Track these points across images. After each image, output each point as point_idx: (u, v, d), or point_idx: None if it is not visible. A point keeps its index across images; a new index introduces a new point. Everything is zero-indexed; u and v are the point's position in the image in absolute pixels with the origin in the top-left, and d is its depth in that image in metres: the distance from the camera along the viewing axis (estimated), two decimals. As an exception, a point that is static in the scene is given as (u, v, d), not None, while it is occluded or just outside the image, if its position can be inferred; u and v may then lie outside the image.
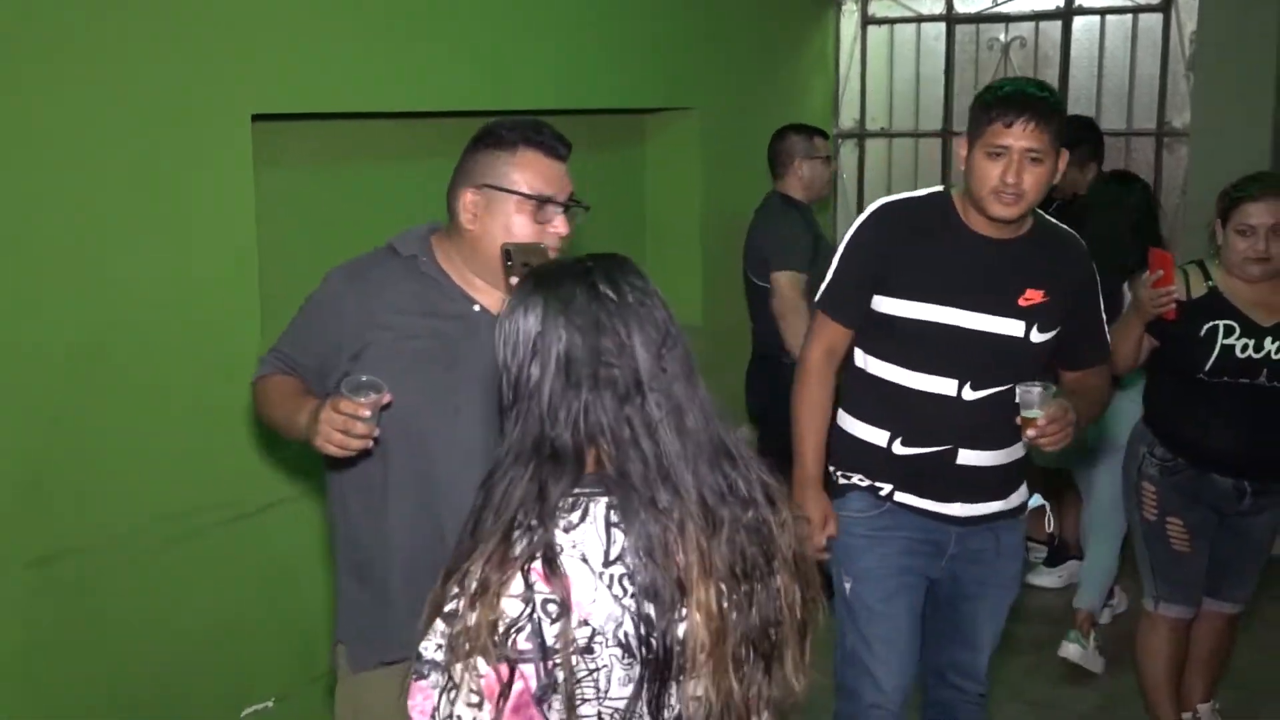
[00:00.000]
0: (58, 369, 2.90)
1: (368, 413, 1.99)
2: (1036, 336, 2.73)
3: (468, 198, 2.17)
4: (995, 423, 2.73)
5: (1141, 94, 5.82)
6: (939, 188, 2.89)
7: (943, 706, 3.00)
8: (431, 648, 1.41)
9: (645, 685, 1.43)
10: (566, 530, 1.42)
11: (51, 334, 2.88)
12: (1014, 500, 2.86)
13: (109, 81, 2.94)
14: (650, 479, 1.44)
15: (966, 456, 2.76)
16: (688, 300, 5.06)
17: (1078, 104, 5.83)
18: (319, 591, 3.54)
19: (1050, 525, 4.67)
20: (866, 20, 6.31)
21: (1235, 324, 3.27)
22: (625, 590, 1.42)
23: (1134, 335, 3.33)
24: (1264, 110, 5.34)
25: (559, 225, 2.17)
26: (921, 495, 2.79)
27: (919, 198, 2.84)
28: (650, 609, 1.42)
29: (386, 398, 2.01)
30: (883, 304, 2.74)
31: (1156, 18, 5.70)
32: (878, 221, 2.78)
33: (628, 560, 1.42)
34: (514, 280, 1.93)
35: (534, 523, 1.41)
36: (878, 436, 2.81)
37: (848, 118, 6.37)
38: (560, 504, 1.43)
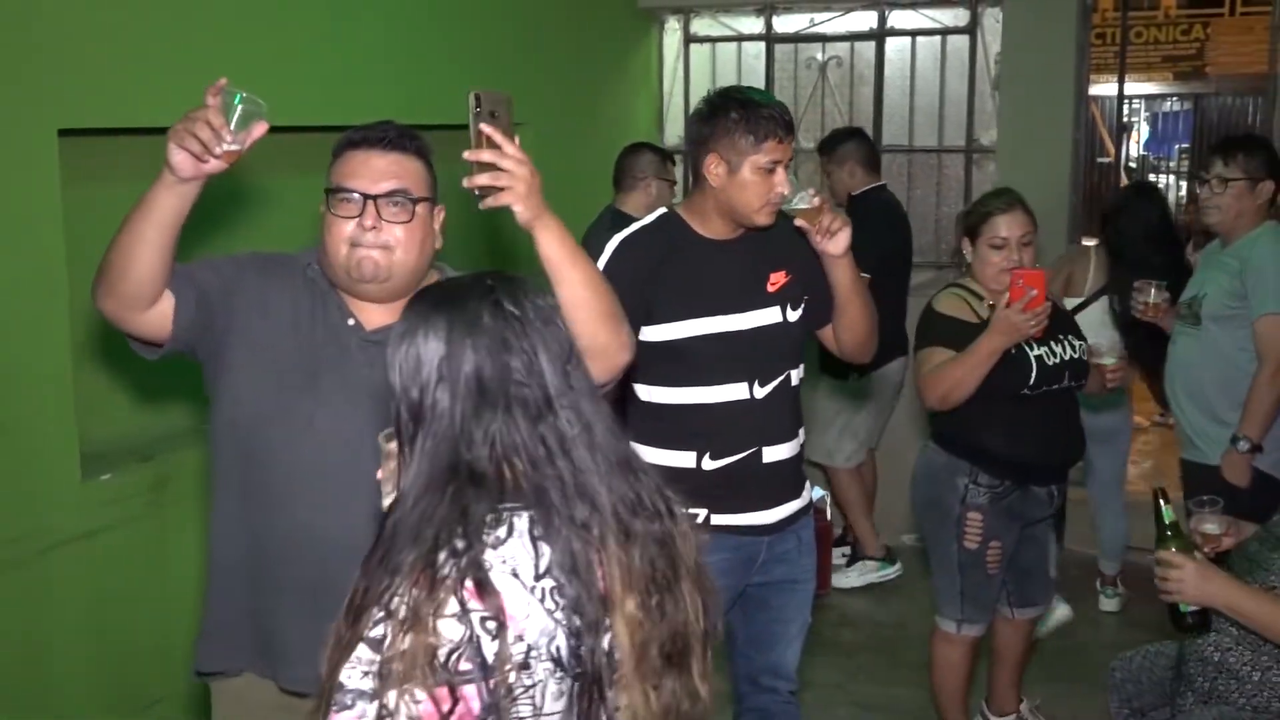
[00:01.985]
0: None
1: (237, 110, 1.92)
2: (791, 316, 2.85)
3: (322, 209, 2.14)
4: (784, 414, 2.88)
5: (951, 112, 6.05)
6: (662, 210, 2.95)
7: (759, 713, 3.04)
8: (356, 676, 1.36)
9: (577, 699, 1.43)
10: (494, 547, 1.41)
11: None
12: (807, 496, 2.99)
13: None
14: (568, 496, 1.44)
15: (770, 453, 2.85)
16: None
17: (892, 121, 6.03)
18: (139, 626, 3.43)
19: (829, 515, 4.81)
20: (689, 39, 6.41)
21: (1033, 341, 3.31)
22: (557, 604, 1.42)
23: (991, 362, 3.23)
24: (1064, 127, 5.61)
25: (365, 219, 2.06)
26: (735, 511, 2.83)
27: (650, 224, 2.88)
28: (580, 622, 1.42)
29: (261, 128, 1.95)
30: (653, 333, 2.75)
31: (964, 39, 5.93)
32: (621, 258, 2.79)
33: (555, 573, 1.42)
34: (481, 125, 1.92)
35: (459, 544, 1.39)
36: (684, 459, 2.82)
37: (672, 134, 6.46)
38: (485, 521, 1.41)
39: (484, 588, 1.37)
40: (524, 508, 1.44)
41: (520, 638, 1.39)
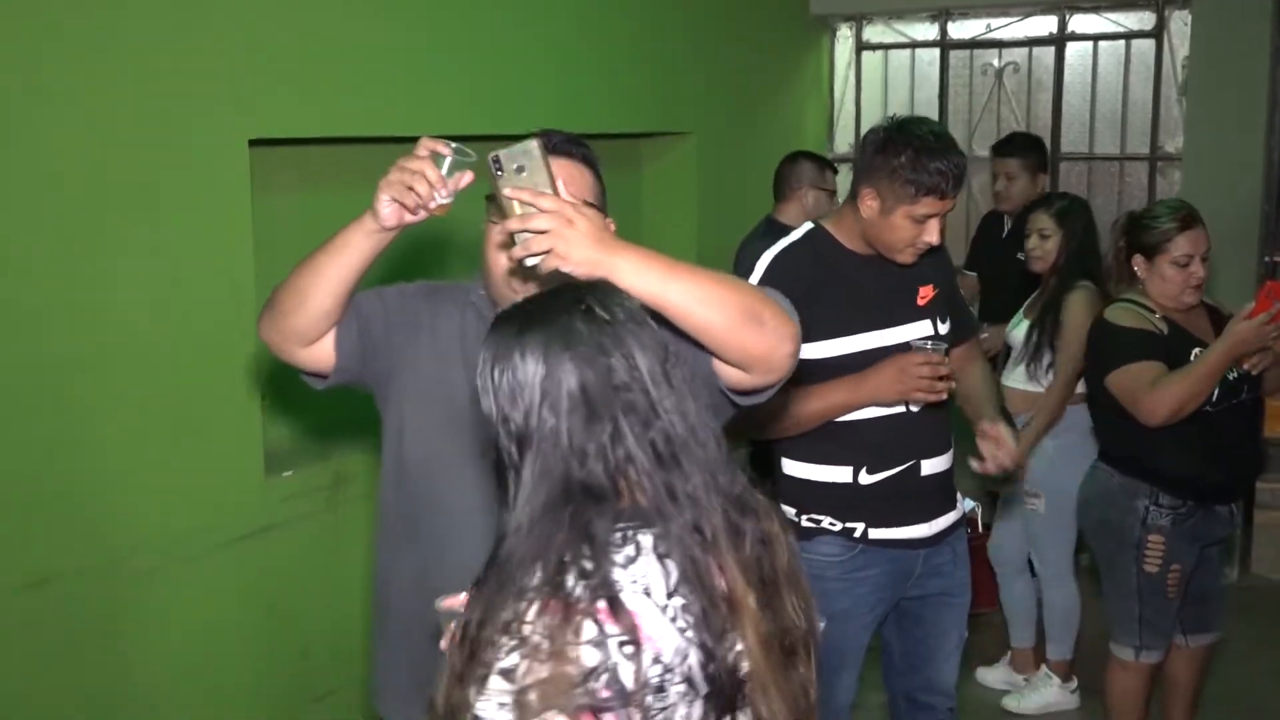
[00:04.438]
0: (50, 391, 2.91)
1: (447, 160, 1.82)
2: (943, 328, 2.82)
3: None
4: (940, 427, 2.84)
5: (1135, 118, 5.85)
6: (809, 225, 2.86)
7: None
8: (492, 708, 1.32)
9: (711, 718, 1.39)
10: (625, 566, 1.37)
11: (46, 356, 2.89)
12: (960, 508, 2.93)
13: (108, 105, 2.96)
14: (681, 502, 1.41)
15: (928, 466, 2.81)
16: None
17: (1071, 128, 5.87)
18: (314, 618, 3.55)
19: (980, 526, 4.67)
20: (861, 46, 6.35)
21: (1205, 347, 3.23)
22: (687, 622, 1.37)
23: (1222, 373, 3.16)
24: (1255, 134, 5.37)
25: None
26: (892, 525, 2.79)
27: (799, 240, 2.82)
28: (707, 636, 1.38)
29: (467, 178, 1.84)
30: (810, 350, 2.66)
31: (1149, 43, 5.73)
32: (773, 275, 2.72)
33: (683, 590, 1.38)
34: (506, 192, 1.68)
35: (587, 565, 1.35)
36: (840, 474, 2.79)
37: (843, 143, 6.40)
38: (610, 540, 1.38)
39: (617, 609, 1.33)
40: (646, 525, 1.40)
41: (657, 659, 1.35)
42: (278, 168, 3.58)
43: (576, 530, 1.37)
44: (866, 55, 6.36)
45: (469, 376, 1.92)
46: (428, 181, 1.79)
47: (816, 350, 2.71)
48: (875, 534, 2.78)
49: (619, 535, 1.38)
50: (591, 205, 1.96)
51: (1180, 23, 5.61)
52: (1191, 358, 3.20)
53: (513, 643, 1.32)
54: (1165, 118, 5.73)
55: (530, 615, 1.33)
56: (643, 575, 1.37)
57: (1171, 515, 3.29)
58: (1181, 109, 5.64)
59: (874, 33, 6.34)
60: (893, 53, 6.32)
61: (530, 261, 1.67)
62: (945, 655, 2.95)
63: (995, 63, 6.10)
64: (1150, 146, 5.79)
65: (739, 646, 1.41)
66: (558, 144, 2.00)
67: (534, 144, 1.70)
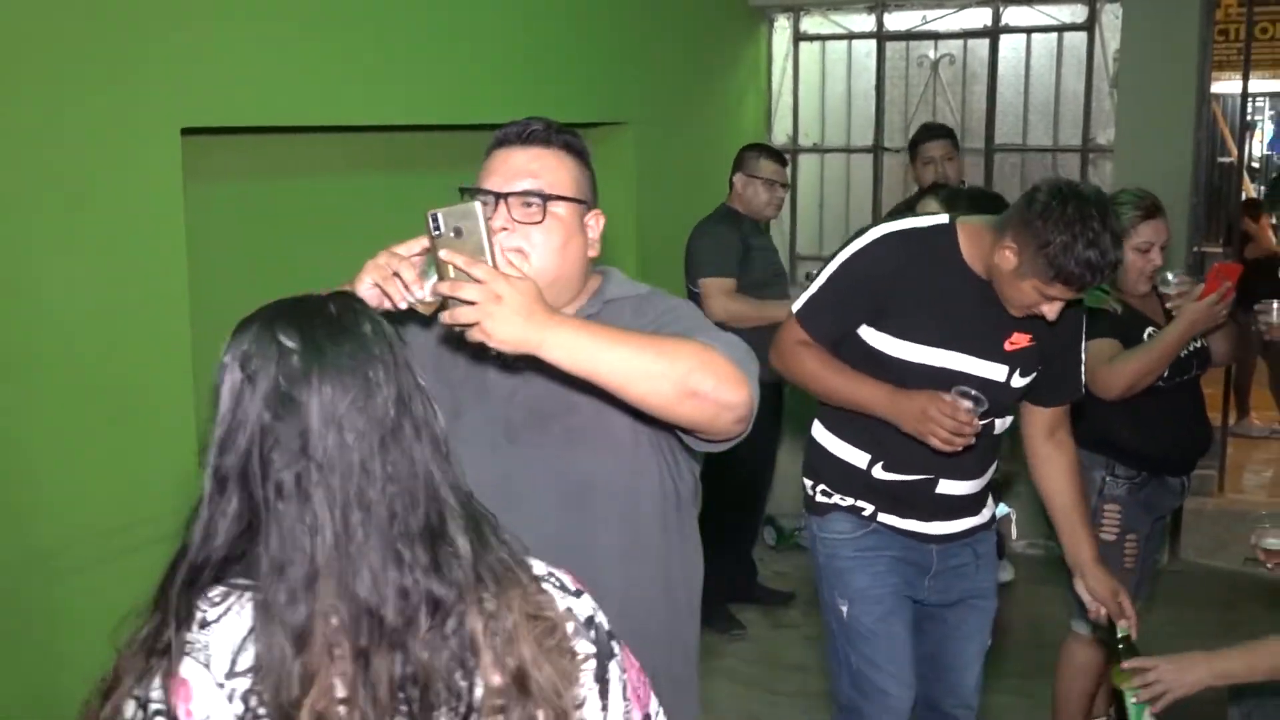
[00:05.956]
0: (-18, 385, 2.85)
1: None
2: (1017, 381, 2.73)
3: None
4: (973, 455, 2.72)
5: (1067, 110, 5.92)
6: (944, 219, 2.74)
7: None
8: None
9: None
10: (202, 626, 1.22)
11: (-25, 350, 2.83)
12: (986, 514, 2.90)
13: (36, 94, 2.89)
14: (296, 586, 1.19)
15: (946, 486, 2.77)
16: (623, 315, 5.05)
17: (1005, 120, 5.95)
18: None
19: (1014, 533, 4.73)
20: (799, 36, 6.37)
21: (1157, 328, 3.40)
22: (248, 708, 1.19)
23: (1178, 351, 3.33)
24: (1184, 126, 5.46)
25: (496, 219, 1.86)
26: (903, 517, 2.80)
27: (924, 230, 2.72)
28: None
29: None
30: (874, 338, 2.67)
31: (1081, 36, 5.81)
32: (880, 252, 2.67)
33: (253, 676, 1.19)
34: (441, 254, 1.65)
35: (179, 609, 1.23)
36: (858, 458, 2.79)
37: (780, 133, 6.43)
38: (207, 594, 1.23)
39: (171, 672, 1.19)
40: (253, 587, 1.22)
41: None
42: (211, 157, 3.53)
43: (186, 566, 1.26)
44: (804, 46, 6.38)
45: (448, 392, 1.89)
46: (404, 283, 1.75)
47: (876, 338, 2.67)
48: (884, 518, 2.79)
49: (222, 590, 1.24)
50: (571, 200, 1.94)
51: (1111, 16, 5.69)
52: (1145, 338, 3.36)
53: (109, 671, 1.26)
54: (1097, 110, 5.81)
55: (129, 646, 1.25)
56: (213, 643, 1.21)
57: (1128, 485, 3.45)
58: (1113, 101, 5.71)
59: (811, 24, 6.36)
60: (830, 44, 6.35)
61: (457, 329, 1.64)
62: (966, 662, 2.93)
63: (931, 54, 6.15)
64: (1082, 138, 5.87)
65: None
66: (536, 132, 1.95)
67: (476, 206, 1.68)
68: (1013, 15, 5.95)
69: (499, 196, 1.88)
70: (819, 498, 2.85)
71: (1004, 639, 4.42)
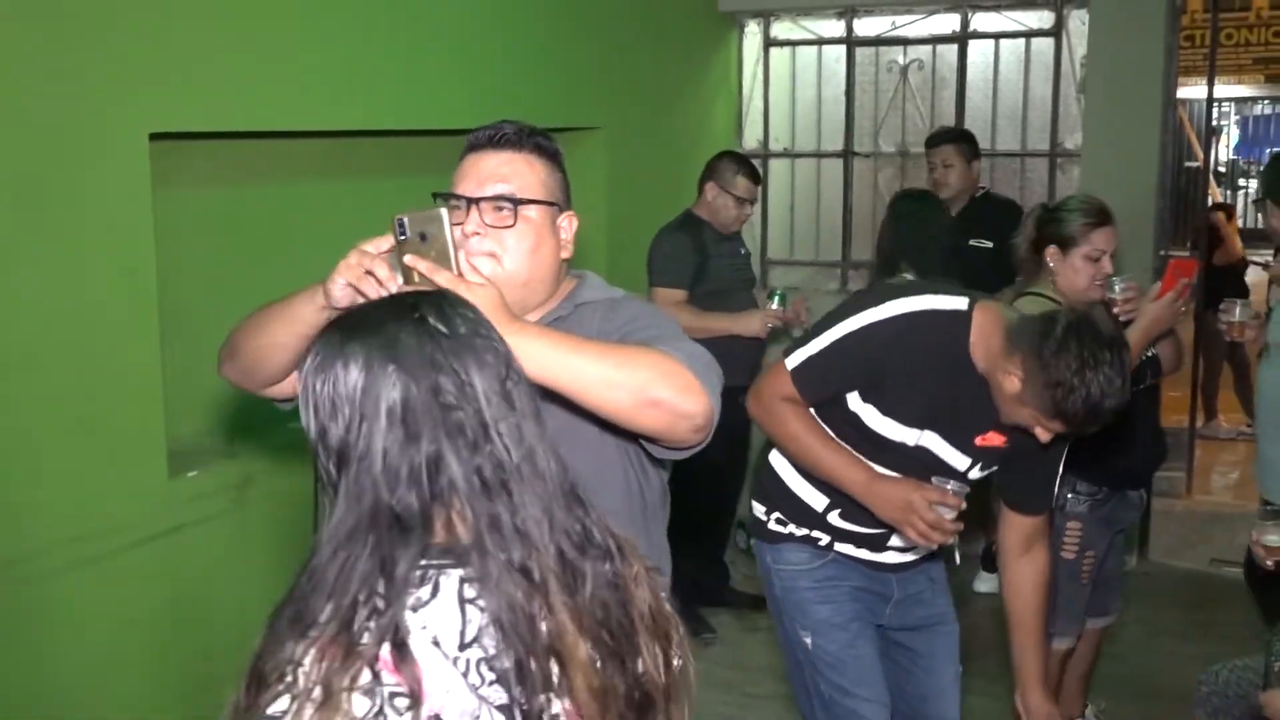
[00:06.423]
0: (-52, 393, 2.82)
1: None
2: (975, 474, 2.71)
3: None
4: None
5: (1035, 116, 5.96)
6: (964, 304, 2.59)
7: None
8: None
9: None
10: (415, 609, 1.24)
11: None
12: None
13: (1, 99, 2.87)
14: (506, 536, 1.27)
15: (898, 540, 2.73)
16: (593, 320, 5.05)
17: (974, 125, 5.97)
18: (220, 620, 3.49)
19: (957, 558, 4.72)
20: (769, 42, 6.39)
21: None
22: (483, 678, 1.24)
23: (1138, 359, 3.17)
24: (1151, 131, 5.50)
25: (467, 224, 1.89)
26: (857, 547, 2.79)
27: (942, 316, 2.59)
28: (518, 693, 1.24)
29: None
30: (858, 406, 2.62)
31: (1048, 42, 5.85)
32: (897, 333, 2.56)
33: (485, 642, 1.24)
34: (406, 258, 1.66)
35: (380, 604, 1.22)
36: (815, 500, 2.76)
37: (751, 138, 6.44)
38: (409, 579, 1.24)
39: (402, 657, 1.21)
40: (455, 564, 1.27)
41: (437, 717, 1.21)
42: (180, 162, 3.51)
43: (375, 563, 1.24)
44: (774, 52, 6.40)
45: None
46: (378, 280, 1.73)
47: (862, 409, 2.63)
48: (841, 548, 2.78)
49: (418, 574, 1.26)
50: (542, 203, 1.96)
51: (1079, 22, 5.73)
52: None
53: (284, 685, 1.22)
54: (1064, 115, 5.84)
55: (308, 658, 1.22)
56: (433, 621, 1.24)
57: (1089, 502, 3.42)
58: (1080, 106, 5.76)
59: (782, 29, 6.38)
60: (800, 49, 6.37)
61: None
62: (942, 690, 2.90)
63: (900, 60, 6.18)
64: (1050, 143, 5.90)
65: (557, 708, 1.28)
66: (507, 135, 1.97)
67: (442, 212, 1.68)
68: (981, 21, 5.99)
69: (471, 201, 1.90)
70: (773, 525, 2.81)
71: (974, 640, 4.44)
